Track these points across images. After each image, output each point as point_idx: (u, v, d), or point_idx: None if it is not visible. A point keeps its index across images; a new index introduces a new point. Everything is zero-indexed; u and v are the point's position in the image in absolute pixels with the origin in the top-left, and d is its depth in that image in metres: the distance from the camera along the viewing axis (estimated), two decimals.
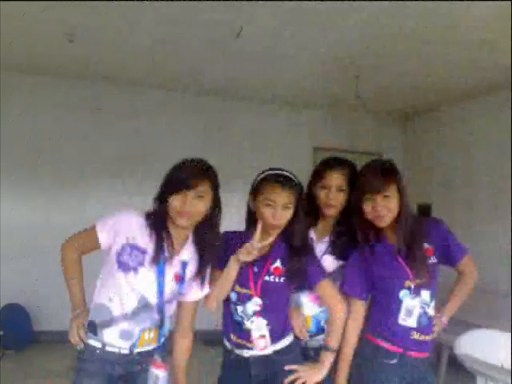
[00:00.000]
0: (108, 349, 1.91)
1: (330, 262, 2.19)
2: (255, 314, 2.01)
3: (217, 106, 6.24)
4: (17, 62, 5.12)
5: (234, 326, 2.05)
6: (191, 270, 1.98)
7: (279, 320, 2.05)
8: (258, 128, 6.38)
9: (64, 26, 4.09)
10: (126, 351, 1.92)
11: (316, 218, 2.26)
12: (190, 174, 1.88)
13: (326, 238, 2.25)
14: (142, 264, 1.87)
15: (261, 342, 2.00)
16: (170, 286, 1.93)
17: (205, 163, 1.97)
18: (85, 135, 5.74)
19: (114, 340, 1.90)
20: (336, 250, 2.20)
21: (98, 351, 1.91)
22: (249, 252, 1.95)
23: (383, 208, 2.01)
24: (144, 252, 1.88)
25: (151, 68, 5.21)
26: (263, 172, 2.07)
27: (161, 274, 1.90)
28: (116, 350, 1.91)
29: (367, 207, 2.04)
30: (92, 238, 1.92)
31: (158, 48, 4.57)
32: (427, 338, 2.06)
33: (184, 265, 1.96)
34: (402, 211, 2.04)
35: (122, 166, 5.77)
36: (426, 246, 2.08)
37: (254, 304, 2.01)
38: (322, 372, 2.02)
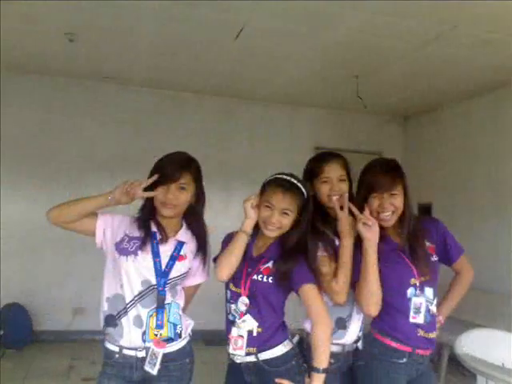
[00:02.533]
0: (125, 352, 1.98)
1: None
2: (244, 313, 1.99)
3: (217, 106, 6.25)
4: (17, 61, 5.13)
5: (229, 326, 2.04)
6: (191, 249, 2.07)
7: (269, 324, 2.00)
8: (259, 128, 6.39)
9: (64, 26, 4.10)
10: (143, 354, 1.96)
11: (324, 220, 2.19)
12: (172, 166, 1.98)
13: None
14: (140, 248, 1.98)
15: (238, 341, 1.99)
16: (171, 264, 2.01)
17: (187, 156, 2.08)
18: (85, 135, 5.77)
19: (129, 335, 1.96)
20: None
21: (117, 355, 1.99)
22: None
23: (390, 206, 2.03)
24: (140, 239, 1.99)
25: (152, 67, 5.22)
26: (273, 175, 2.08)
27: (156, 255, 1.99)
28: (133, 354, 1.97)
29: (373, 205, 2.05)
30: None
31: (159, 48, 4.58)
32: (431, 335, 2.08)
33: (180, 244, 2.04)
34: (405, 210, 2.07)
35: (122, 166, 5.76)
36: (427, 244, 2.11)
37: (242, 303, 2.00)
38: None
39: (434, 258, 2.12)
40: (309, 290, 1.95)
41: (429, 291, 2.06)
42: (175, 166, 1.98)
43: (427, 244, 2.11)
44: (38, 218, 5.42)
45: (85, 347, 5.19)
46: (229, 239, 2.08)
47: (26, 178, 5.51)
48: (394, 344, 2.04)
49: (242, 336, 1.98)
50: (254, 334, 1.97)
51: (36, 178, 5.54)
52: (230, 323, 2.03)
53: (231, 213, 5.42)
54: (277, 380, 1.94)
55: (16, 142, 5.45)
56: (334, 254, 2.08)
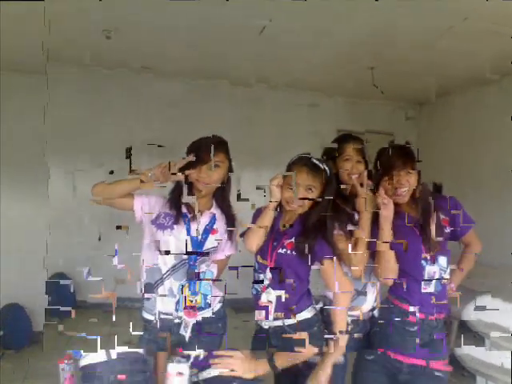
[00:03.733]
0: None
1: None
2: (268, 285, 2.13)
3: (245, 94, 6.39)
4: (65, 54, 5.20)
5: (257, 294, 2.17)
6: (221, 224, 2.25)
7: (295, 292, 2.10)
8: (285, 113, 6.56)
9: (103, 23, 4.24)
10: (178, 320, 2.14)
11: (344, 197, 2.31)
12: (206, 147, 2.10)
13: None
14: (175, 223, 2.16)
15: (266, 307, 2.11)
16: (205, 237, 2.19)
17: (219, 138, 2.23)
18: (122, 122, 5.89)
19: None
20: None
21: (154, 322, 2.17)
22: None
23: (406, 182, 2.17)
24: (174, 216, 2.18)
25: (185, 58, 5.35)
26: (297, 155, 2.19)
27: (190, 230, 2.17)
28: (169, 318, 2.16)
29: (389, 184, 2.19)
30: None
31: (189, 40, 4.69)
32: (444, 302, 2.22)
33: (214, 218, 2.23)
34: (418, 188, 2.22)
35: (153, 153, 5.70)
36: (441, 216, 2.25)
37: (268, 273, 2.13)
38: (337, 353, 2.07)
39: (447, 230, 2.26)
40: (329, 263, 2.06)
41: (442, 259, 2.20)
42: (209, 147, 2.08)
43: (441, 217, 2.24)
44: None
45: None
46: (258, 213, 2.20)
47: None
48: (408, 308, 2.18)
49: (270, 301, 2.10)
50: (282, 299, 2.09)
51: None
52: (258, 291, 2.16)
53: (255, 198, 5.34)
54: (296, 348, 2.04)
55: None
56: (351, 232, 2.22)
